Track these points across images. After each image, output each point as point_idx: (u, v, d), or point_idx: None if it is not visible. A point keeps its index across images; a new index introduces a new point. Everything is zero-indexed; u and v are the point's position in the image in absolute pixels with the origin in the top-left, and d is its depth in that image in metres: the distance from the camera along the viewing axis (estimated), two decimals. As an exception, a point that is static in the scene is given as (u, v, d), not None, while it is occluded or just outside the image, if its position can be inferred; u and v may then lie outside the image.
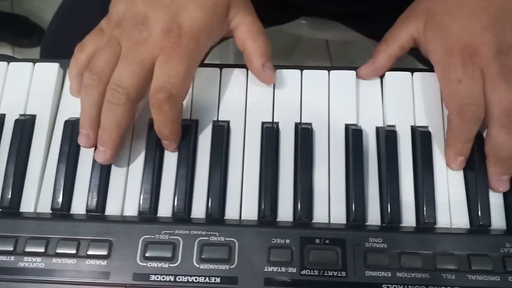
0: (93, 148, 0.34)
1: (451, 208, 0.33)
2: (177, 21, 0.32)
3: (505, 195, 0.33)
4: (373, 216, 0.33)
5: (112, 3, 0.35)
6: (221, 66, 0.37)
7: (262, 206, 0.33)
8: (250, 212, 0.33)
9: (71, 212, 0.33)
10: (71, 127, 0.34)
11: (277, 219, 0.33)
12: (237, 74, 0.37)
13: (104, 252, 0.30)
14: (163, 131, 0.33)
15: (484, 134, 0.34)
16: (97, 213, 0.33)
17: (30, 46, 1.23)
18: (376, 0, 0.53)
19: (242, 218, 0.33)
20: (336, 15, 0.62)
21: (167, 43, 0.31)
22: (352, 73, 0.37)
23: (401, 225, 0.33)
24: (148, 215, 0.33)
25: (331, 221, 0.33)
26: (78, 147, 0.35)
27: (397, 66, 0.37)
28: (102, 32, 0.34)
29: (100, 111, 0.32)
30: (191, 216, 0.33)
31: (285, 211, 0.33)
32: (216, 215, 0.33)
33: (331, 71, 0.37)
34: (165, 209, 0.33)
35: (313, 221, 0.33)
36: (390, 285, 0.29)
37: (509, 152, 0.32)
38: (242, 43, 0.36)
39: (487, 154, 0.33)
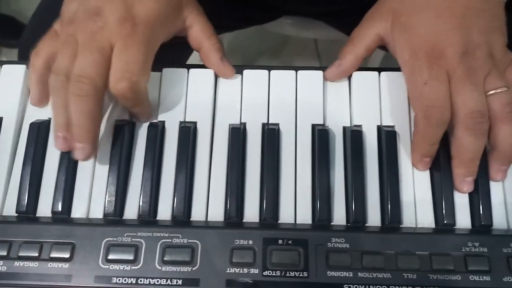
0: (58, 151, 0.34)
1: (417, 207, 0.33)
2: (131, 11, 0.32)
3: (470, 195, 0.33)
4: (339, 216, 0.33)
5: (64, 4, 0.35)
6: (188, 67, 0.37)
7: (228, 208, 0.33)
8: (217, 213, 0.33)
9: (37, 215, 0.33)
10: (37, 129, 0.34)
11: (244, 220, 0.33)
12: (205, 75, 0.37)
13: (67, 255, 0.30)
14: (134, 110, 0.34)
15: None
16: (62, 215, 0.33)
17: (18, 47, 1.23)
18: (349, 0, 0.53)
19: (208, 219, 0.33)
20: (317, 14, 0.62)
21: (123, 30, 0.32)
22: (319, 73, 0.37)
23: (366, 225, 0.33)
24: (113, 218, 0.33)
25: (297, 222, 0.33)
26: (44, 149, 0.34)
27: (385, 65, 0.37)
28: (56, 34, 0.34)
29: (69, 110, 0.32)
30: (157, 218, 0.33)
31: (251, 213, 0.33)
32: (181, 217, 0.33)
33: (299, 71, 0.37)
34: (130, 211, 0.33)
35: (279, 222, 0.33)
36: (351, 285, 0.29)
37: (473, 154, 0.33)
38: (197, 41, 0.37)
39: (452, 155, 0.33)
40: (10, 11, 1.27)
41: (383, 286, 0.29)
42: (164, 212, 0.33)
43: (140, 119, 0.35)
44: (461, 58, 0.32)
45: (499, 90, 0.33)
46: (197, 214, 0.33)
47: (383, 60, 0.81)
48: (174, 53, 0.41)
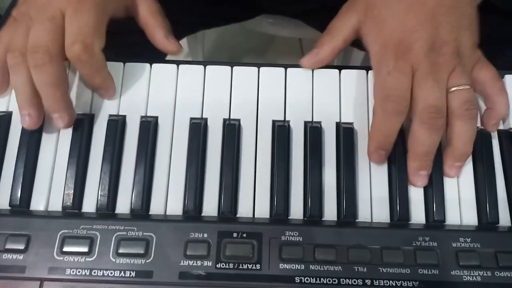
0: (18, 139, 0.34)
1: (373, 203, 0.34)
2: None
3: (425, 191, 0.34)
4: (296, 211, 0.33)
5: None
6: (151, 62, 0.37)
7: (186, 202, 0.33)
8: (175, 208, 0.33)
9: (-4, 208, 0.33)
10: (-3, 122, 0.35)
11: (202, 214, 0.33)
12: (168, 70, 0.37)
13: (21, 247, 0.30)
14: (94, 81, 0.34)
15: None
16: (21, 208, 0.33)
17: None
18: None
19: (167, 214, 0.33)
20: (294, 13, 0.62)
21: None
22: (281, 70, 0.37)
23: (323, 219, 0.33)
24: (72, 211, 0.33)
25: (256, 216, 0.34)
26: (5, 141, 0.35)
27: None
28: (15, 20, 0.35)
29: (34, 88, 0.32)
30: (116, 212, 0.33)
31: (210, 207, 0.34)
32: (139, 211, 0.33)
33: (261, 68, 0.37)
34: (89, 205, 0.33)
35: (237, 216, 0.33)
36: (302, 278, 0.30)
37: (427, 148, 0.33)
38: (144, 20, 0.38)
39: (408, 149, 0.34)
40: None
41: (334, 279, 0.30)
42: (123, 206, 0.33)
43: (104, 94, 0.35)
44: (427, 53, 0.33)
45: (461, 87, 0.33)
46: (156, 208, 0.33)
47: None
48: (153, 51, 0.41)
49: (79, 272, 0.30)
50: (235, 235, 0.31)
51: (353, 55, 0.74)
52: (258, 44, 1.20)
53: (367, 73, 0.37)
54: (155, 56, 0.39)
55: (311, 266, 0.30)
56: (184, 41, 0.79)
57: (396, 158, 0.34)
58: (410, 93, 0.33)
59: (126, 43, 0.42)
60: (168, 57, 0.41)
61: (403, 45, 0.33)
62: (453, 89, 0.33)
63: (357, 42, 0.60)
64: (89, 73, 0.34)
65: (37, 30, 0.32)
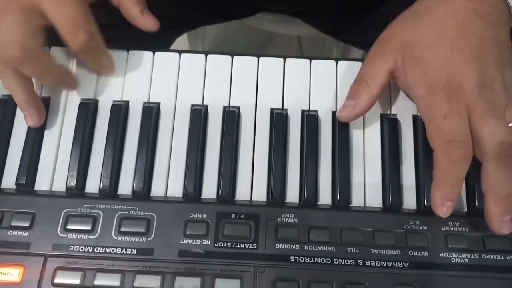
0: (25, 125, 0.35)
1: (366, 189, 0.35)
2: None
3: (417, 177, 0.35)
4: (292, 195, 0.35)
5: None
6: (154, 51, 0.38)
7: (186, 185, 0.34)
8: (176, 191, 0.35)
9: (1, 187, 0.34)
10: (3, 106, 0.36)
11: (202, 197, 0.35)
12: (170, 58, 0.38)
13: (26, 224, 0.31)
14: (101, 65, 0.36)
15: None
16: (26, 188, 0.34)
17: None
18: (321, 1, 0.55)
19: (168, 196, 0.35)
20: (293, 12, 0.63)
21: None
22: (280, 60, 0.38)
23: (318, 203, 0.34)
24: (75, 192, 0.34)
25: (253, 200, 0.35)
26: (11, 124, 0.36)
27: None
28: None
29: (24, 88, 0.33)
30: (118, 193, 0.34)
31: (209, 190, 0.35)
32: (141, 192, 0.34)
33: (260, 58, 0.38)
34: (92, 186, 0.34)
35: (235, 199, 0.35)
36: (297, 257, 0.31)
37: (510, 189, 0.31)
38: None
39: (485, 194, 0.31)
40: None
41: (327, 259, 0.31)
42: (125, 188, 0.34)
43: (107, 72, 0.37)
44: (480, 91, 0.32)
45: None
46: (157, 190, 0.35)
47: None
48: (157, 40, 0.41)
49: (82, 249, 0.31)
50: (233, 216, 0.32)
51: (351, 52, 0.76)
52: (258, 41, 1.21)
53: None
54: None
55: (305, 246, 0.31)
56: (185, 38, 0.80)
57: (389, 147, 0.35)
58: (471, 136, 0.31)
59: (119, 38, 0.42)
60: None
61: (453, 85, 0.32)
62: (511, 124, 0.31)
63: (356, 41, 0.61)
64: (96, 59, 0.35)
65: (8, 25, 0.31)
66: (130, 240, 0.31)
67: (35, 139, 0.35)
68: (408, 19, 0.35)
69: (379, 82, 0.34)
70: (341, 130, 0.36)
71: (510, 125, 0.31)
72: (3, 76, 0.33)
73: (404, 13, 0.35)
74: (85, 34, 0.33)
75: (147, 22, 0.36)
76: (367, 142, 0.36)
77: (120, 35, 0.39)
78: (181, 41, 0.73)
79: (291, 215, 0.32)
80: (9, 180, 0.34)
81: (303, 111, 0.37)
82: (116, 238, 0.31)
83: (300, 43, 1.23)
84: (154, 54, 0.38)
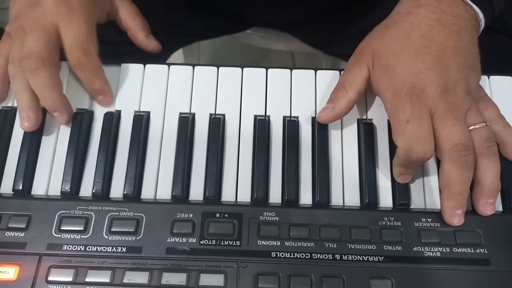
0: (21, 133, 0.37)
1: (345, 189, 0.37)
2: None
3: (392, 177, 0.37)
4: (275, 196, 0.37)
5: (10, 6, 0.39)
6: (144, 63, 0.41)
7: (174, 188, 0.36)
8: (164, 193, 0.37)
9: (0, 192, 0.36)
10: (3, 117, 0.38)
11: (189, 199, 0.37)
12: (160, 70, 0.40)
13: (23, 225, 0.33)
14: (94, 85, 0.38)
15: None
16: (22, 192, 0.36)
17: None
18: (307, 11, 0.58)
19: (157, 198, 0.37)
20: (282, 26, 0.67)
21: (61, 10, 0.37)
22: (263, 70, 0.41)
23: (299, 203, 0.36)
24: (69, 195, 0.36)
25: (238, 200, 0.37)
26: (9, 132, 0.38)
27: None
28: (9, 35, 0.38)
29: (32, 93, 0.36)
30: (110, 196, 0.36)
31: (196, 193, 0.37)
32: (131, 196, 0.36)
33: (244, 68, 0.41)
34: (85, 190, 0.36)
35: (221, 200, 0.37)
36: (278, 253, 0.33)
37: (461, 186, 0.33)
38: (124, 22, 0.42)
39: (441, 189, 0.35)
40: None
41: (306, 254, 0.33)
42: (116, 191, 0.36)
43: (103, 102, 0.39)
44: (442, 95, 0.33)
45: (478, 126, 0.34)
46: (147, 193, 0.36)
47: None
48: (152, 57, 0.45)
49: (75, 248, 0.33)
50: (217, 215, 0.34)
51: (340, 66, 0.78)
52: (252, 58, 1.25)
53: (340, 74, 0.41)
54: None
55: (286, 242, 0.33)
56: (180, 54, 0.84)
57: (365, 149, 0.38)
58: (433, 138, 0.33)
59: (114, 52, 0.45)
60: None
61: (416, 90, 0.34)
62: (471, 127, 0.34)
63: (340, 53, 0.64)
64: (89, 77, 0.37)
65: (29, 39, 0.36)
66: (120, 239, 0.33)
67: (31, 147, 0.37)
68: (379, 32, 0.38)
69: (356, 88, 0.37)
70: (320, 135, 0.38)
71: (470, 128, 0.34)
72: (17, 77, 0.36)
73: (376, 27, 0.39)
74: (81, 50, 0.37)
75: (151, 46, 0.43)
76: (345, 145, 0.38)
77: (119, 50, 0.43)
78: (176, 57, 0.76)
79: (273, 214, 0.34)
80: (7, 186, 0.36)
81: (284, 117, 0.39)
82: (107, 237, 0.33)
83: (293, 59, 1.26)
84: (144, 67, 0.41)
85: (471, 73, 0.35)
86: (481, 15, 0.37)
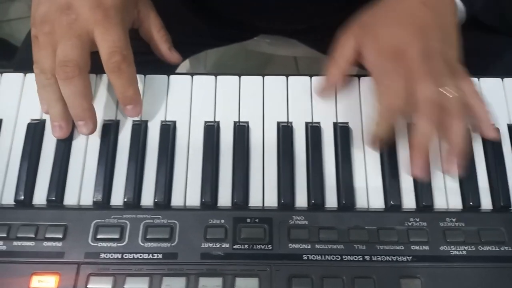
0: (51, 146, 0.38)
1: (369, 192, 0.38)
2: (99, 0, 0.37)
3: (414, 180, 0.38)
4: (301, 200, 0.38)
5: (32, 9, 0.39)
6: (168, 74, 0.42)
7: (203, 195, 0.37)
8: (194, 200, 0.37)
9: (33, 203, 0.37)
10: (33, 129, 0.39)
11: (218, 205, 0.37)
12: (183, 81, 0.42)
13: (60, 235, 0.34)
14: (127, 93, 0.37)
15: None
16: (56, 203, 0.37)
17: (10, 68, 1.26)
18: (314, 19, 0.59)
19: (186, 205, 0.37)
20: (290, 32, 0.68)
21: (97, 16, 0.36)
22: (283, 78, 0.42)
23: (325, 206, 0.37)
24: (101, 204, 0.37)
25: (265, 205, 0.38)
26: (39, 145, 0.39)
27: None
28: (37, 39, 0.38)
29: (65, 104, 0.36)
30: (141, 205, 0.37)
31: (224, 199, 0.37)
32: (162, 203, 0.37)
33: (265, 77, 0.42)
34: (116, 199, 0.37)
35: (249, 205, 0.37)
36: (309, 255, 0.34)
37: (425, 138, 0.36)
38: (149, 33, 0.43)
39: (409, 143, 0.37)
40: (4, 34, 1.32)
41: (337, 256, 0.34)
42: (147, 199, 0.37)
43: (132, 112, 0.38)
44: (422, 58, 0.36)
45: (452, 92, 0.36)
46: (176, 200, 0.37)
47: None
48: (162, 66, 0.46)
49: (112, 256, 0.33)
50: (248, 220, 0.35)
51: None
52: (256, 63, 1.26)
53: (359, 79, 0.42)
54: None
55: (316, 245, 0.34)
56: (186, 62, 0.85)
57: (389, 152, 0.39)
58: (412, 97, 0.36)
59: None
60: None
61: (398, 52, 0.37)
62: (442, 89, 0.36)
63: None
64: (125, 84, 0.37)
65: (65, 46, 0.36)
66: (156, 246, 0.34)
67: (62, 159, 0.38)
68: (366, 10, 0.41)
69: (345, 57, 0.40)
70: (342, 139, 0.39)
71: (441, 89, 0.36)
72: (49, 89, 0.37)
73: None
74: (120, 56, 0.36)
75: (173, 58, 0.43)
76: (367, 149, 0.39)
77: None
78: (183, 65, 0.77)
79: (301, 217, 0.35)
80: (40, 197, 0.37)
81: (306, 123, 0.40)
82: (142, 244, 0.34)
83: (297, 64, 1.28)
84: (168, 77, 0.42)
85: (450, 48, 0.38)
86: (460, 4, 0.41)
